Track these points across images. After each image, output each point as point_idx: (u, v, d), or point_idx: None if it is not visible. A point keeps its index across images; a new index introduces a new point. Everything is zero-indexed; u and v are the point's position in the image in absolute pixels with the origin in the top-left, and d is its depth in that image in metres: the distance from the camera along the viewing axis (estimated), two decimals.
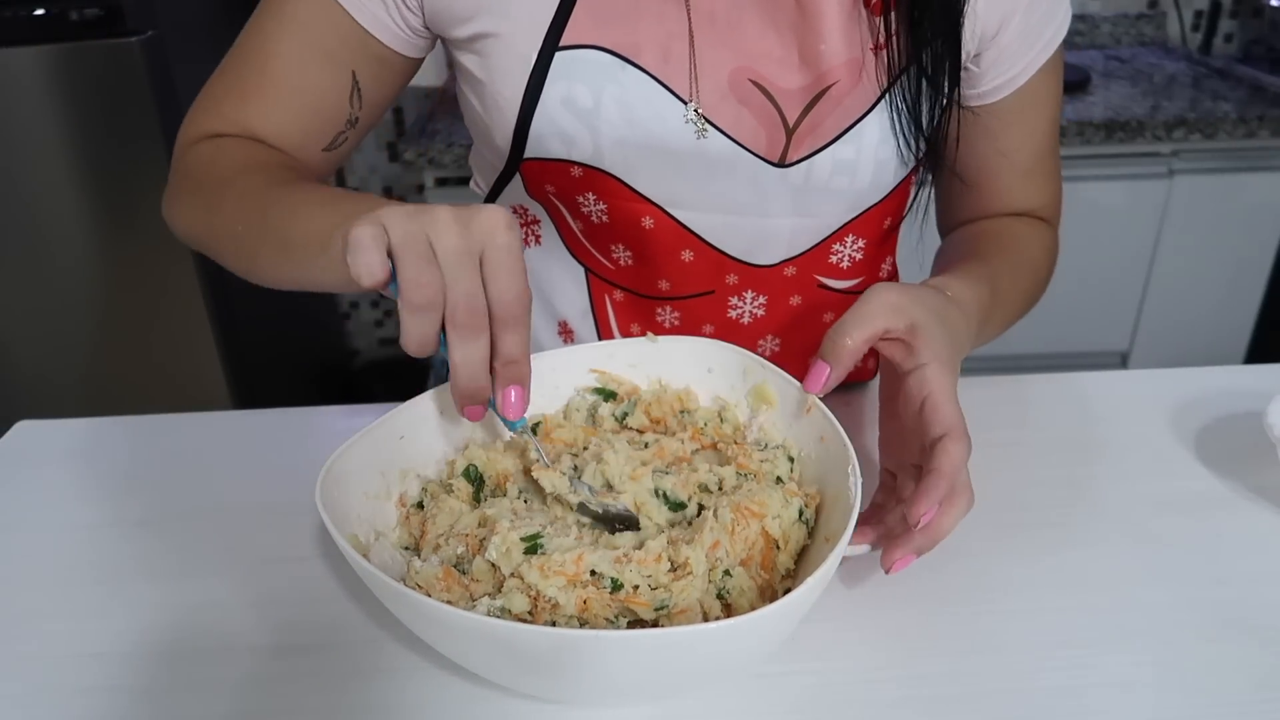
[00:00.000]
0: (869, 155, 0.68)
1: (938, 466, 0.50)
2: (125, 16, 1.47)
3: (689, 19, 0.65)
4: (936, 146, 0.71)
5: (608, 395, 0.63)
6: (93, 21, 1.47)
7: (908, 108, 0.67)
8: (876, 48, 0.66)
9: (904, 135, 0.68)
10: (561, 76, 0.65)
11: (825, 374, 0.55)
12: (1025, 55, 0.68)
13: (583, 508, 0.53)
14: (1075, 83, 1.92)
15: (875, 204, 0.72)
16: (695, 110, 0.66)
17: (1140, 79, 2.00)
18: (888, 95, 0.66)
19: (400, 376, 2.37)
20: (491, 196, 0.78)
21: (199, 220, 0.70)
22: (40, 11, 1.46)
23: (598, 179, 0.68)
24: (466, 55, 0.68)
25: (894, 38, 0.65)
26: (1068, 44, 2.41)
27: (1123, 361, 2.08)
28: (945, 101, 0.67)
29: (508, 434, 0.62)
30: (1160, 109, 1.81)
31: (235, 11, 1.86)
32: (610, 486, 0.54)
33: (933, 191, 0.80)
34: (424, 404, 0.57)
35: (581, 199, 0.70)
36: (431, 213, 0.47)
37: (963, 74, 0.68)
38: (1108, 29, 2.22)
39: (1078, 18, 2.21)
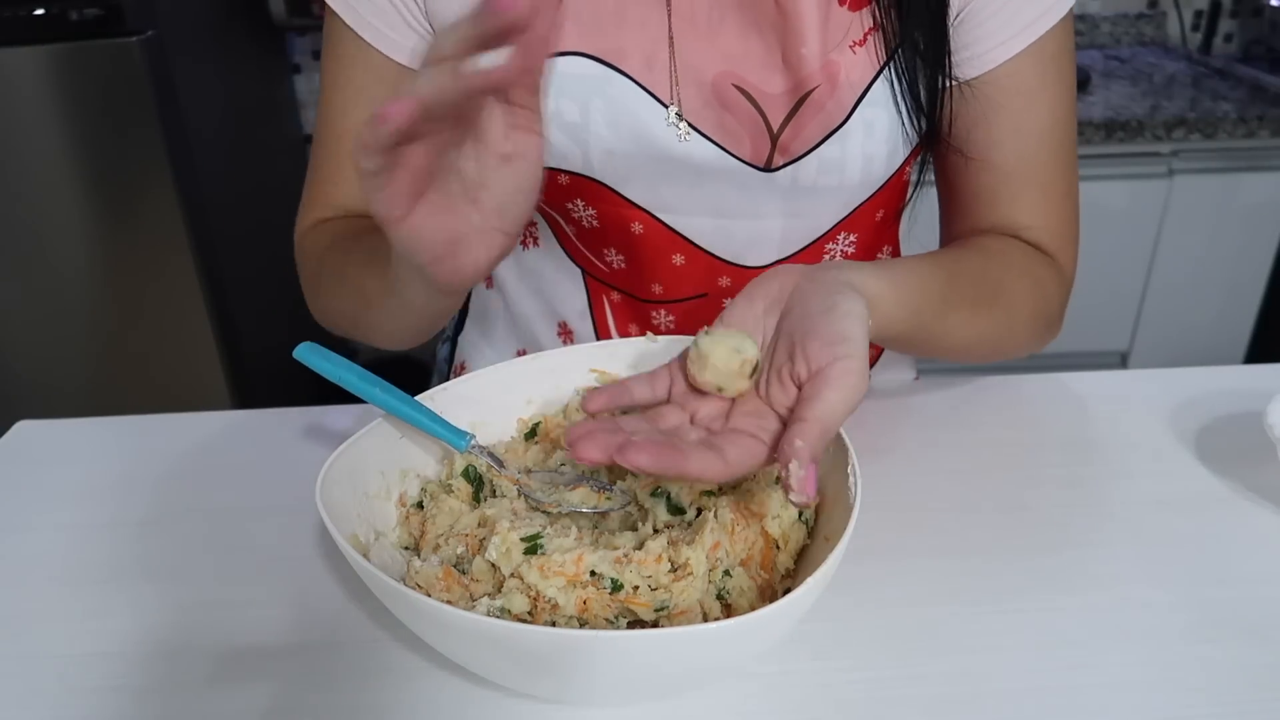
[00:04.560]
0: (855, 152, 0.67)
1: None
2: (125, 16, 1.47)
3: (670, 23, 0.65)
4: (936, 127, 0.69)
5: None
6: (93, 21, 1.47)
7: (908, 85, 0.65)
8: (855, 45, 0.65)
9: (907, 114, 0.66)
10: (548, 93, 0.65)
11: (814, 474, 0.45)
12: (1005, 27, 0.65)
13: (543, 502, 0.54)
14: (1075, 82, 1.92)
15: (867, 199, 0.71)
16: (676, 114, 0.66)
17: (1140, 79, 2.00)
18: (887, 74, 0.65)
19: (400, 376, 2.36)
20: None
21: (320, 309, 0.74)
22: (40, 11, 1.46)
23: (585, 186, 0.68)
24: None
25: (883, 17, 0.64)
26: None
27: (1123, 361, 2.08)
28: (941, 75, 0.66)
29: (509, 433, 0.62)
30: (1160, 109, 1.81)
31: (235, 11, 1.87)
32: (605, 485, 0.55)
33: (937, 198, 0.78)
34: (424, 404, 0.57)
35: (571, 205, 0.70)
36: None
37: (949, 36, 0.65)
38: (1108, 29, 2.22)
39: (1078, 18, 2.21)
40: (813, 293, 0.50)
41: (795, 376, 0.47)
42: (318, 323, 0.76)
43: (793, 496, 0.43)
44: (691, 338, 0.62)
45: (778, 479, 0.54)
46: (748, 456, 0.46)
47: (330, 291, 0.71)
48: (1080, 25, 2.22)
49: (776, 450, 0.46)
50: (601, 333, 0.80)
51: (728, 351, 0.48)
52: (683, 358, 0.52)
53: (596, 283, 0.77)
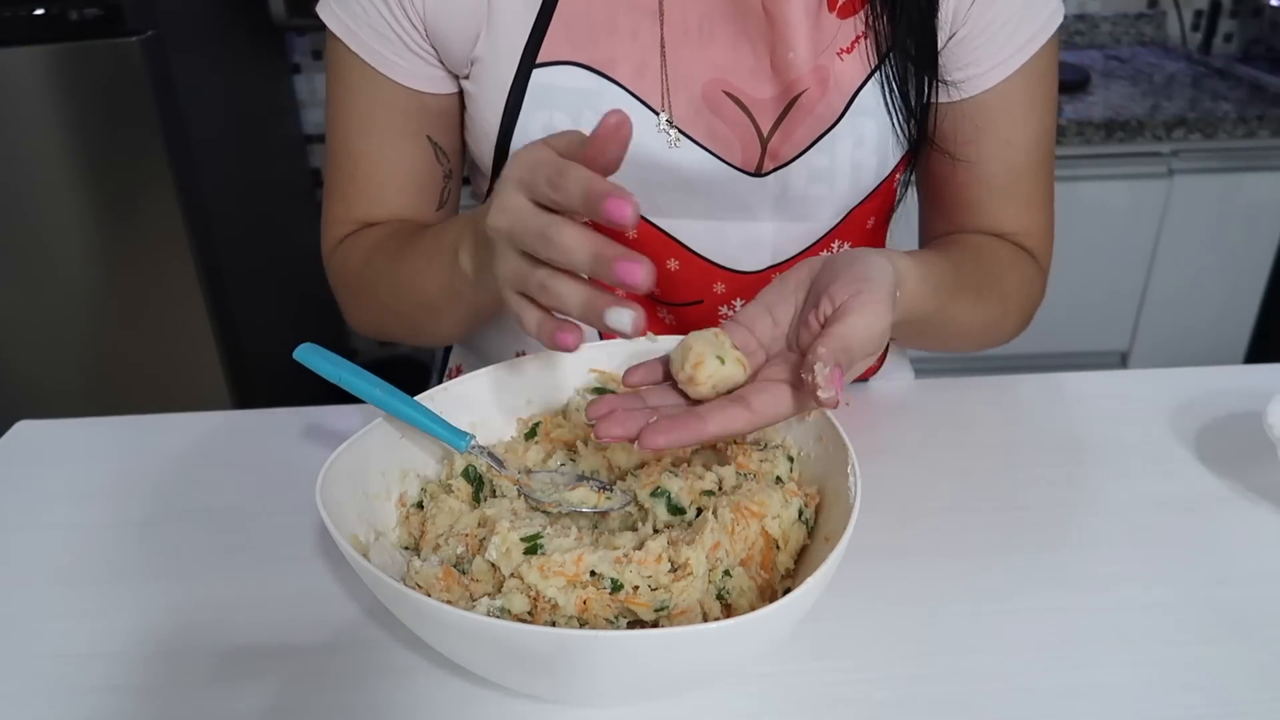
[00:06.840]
0: (844, 161, 0.68)
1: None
2: (125, 16, 1.47)
3: (661, 32, 0.65)
4: (925, 131, 0.69)
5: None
6: (93, 21, 1.47)
7: (898, 87, 0.66)
8: (843, 51, 0.66)
9: (897, 120, 0.67)
10: (541, 105, 0.66)
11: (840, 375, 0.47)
12: (1001, 49, 0.66)
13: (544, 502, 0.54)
14: (1075, 83, 1.92)
15: (858, 205, 0.72)
16: (666, 120, 0.66)
17: (1140, 79, 2.00)
18: (878, 78, 0.66)
19: (400, 376, 2.36)
20: None
21: (363, 320, 0.77)
22: (40, 11, 1.46)
23: None
24: (466, 83, 0.69)
25: (875, 22, 0.65)
26: (1068, 44, 2.38)
27: (1123, 361, 2.08)
28: (931, 80, 0.66)
29: (509, 433, 0.62)
30: (1160, 109, 1.81)
31: (235, 11, 1.87)
32: (607, 485, 0.55)
33: (917, 199, 0.79)
34: (424, 404, 0.57)
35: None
36: (489, 218, 0.48)
37: (941, 55, 0.66)
38: (1108, 29, 2.22)
39: (1078, 17, 2.21)
40: (841, 257, 0.52)
41: (820, 317, 0.48)
42: (357, 331, 0.79)
43: (821, 394, 0.44)
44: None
45: (779, 479, 0.54)
46: (775, 401, 0.47)
47: (376, 303, 0.73)
48: (1080, 25, 2.22)
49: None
50: (603, 333, 0.80)
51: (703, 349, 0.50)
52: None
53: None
